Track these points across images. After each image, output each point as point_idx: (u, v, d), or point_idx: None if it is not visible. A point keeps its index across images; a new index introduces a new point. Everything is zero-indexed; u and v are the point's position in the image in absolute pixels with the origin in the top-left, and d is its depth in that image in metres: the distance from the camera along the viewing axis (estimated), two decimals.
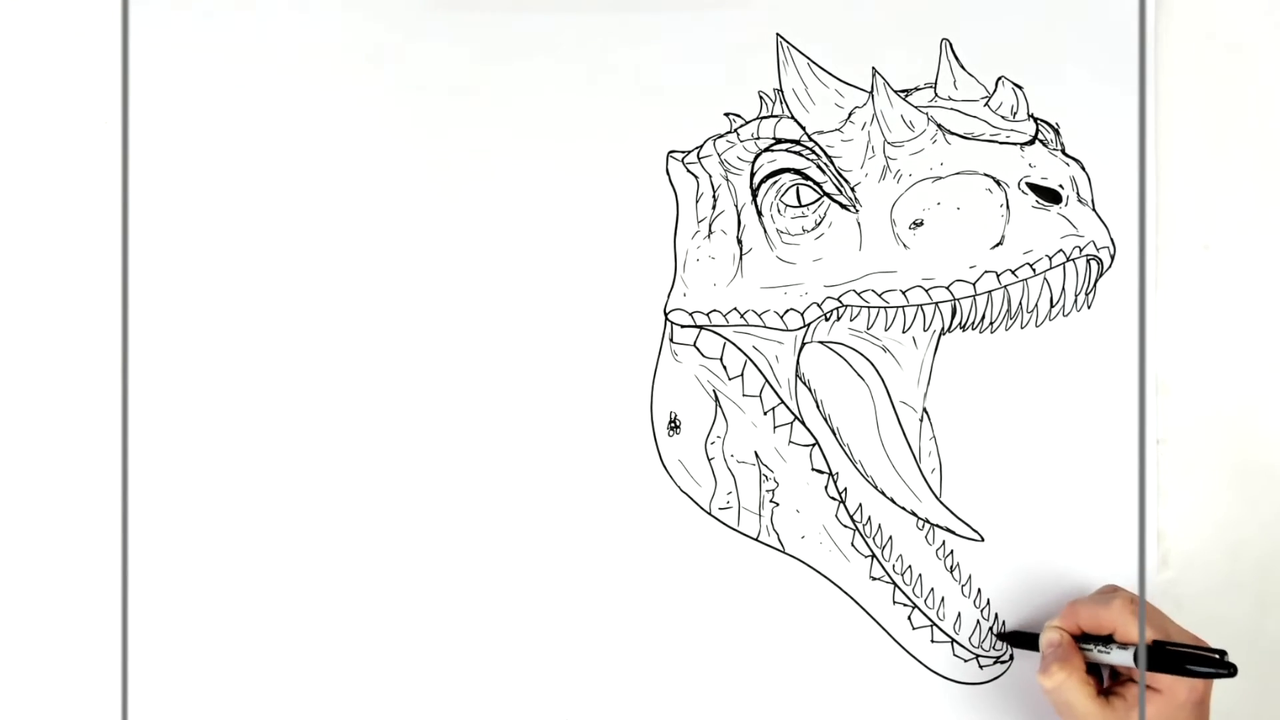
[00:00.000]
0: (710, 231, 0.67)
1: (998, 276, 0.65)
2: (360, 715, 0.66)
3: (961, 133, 0.67)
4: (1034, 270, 0.64)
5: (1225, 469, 0.70)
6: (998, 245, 0.65)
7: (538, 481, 0.67)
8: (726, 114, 0.68)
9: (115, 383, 0.66)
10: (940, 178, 0.66)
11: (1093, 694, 0.60)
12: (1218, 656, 0.58)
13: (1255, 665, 0.69)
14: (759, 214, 0.67)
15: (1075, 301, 0.66)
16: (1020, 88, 0.68)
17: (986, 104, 0.68)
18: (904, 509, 0.67)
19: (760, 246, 0.67)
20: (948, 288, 0.65)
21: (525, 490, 0.67)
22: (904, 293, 0.66)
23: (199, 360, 0.67)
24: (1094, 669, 0.62)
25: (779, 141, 0.68)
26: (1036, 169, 0.66)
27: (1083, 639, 0.62)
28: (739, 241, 0.67)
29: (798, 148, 0.67)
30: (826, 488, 0.67)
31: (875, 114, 0.67)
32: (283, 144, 0.67)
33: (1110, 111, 0.69)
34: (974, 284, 0.65)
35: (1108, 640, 0.61)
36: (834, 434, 0.68)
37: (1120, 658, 0.60)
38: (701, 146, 0.68)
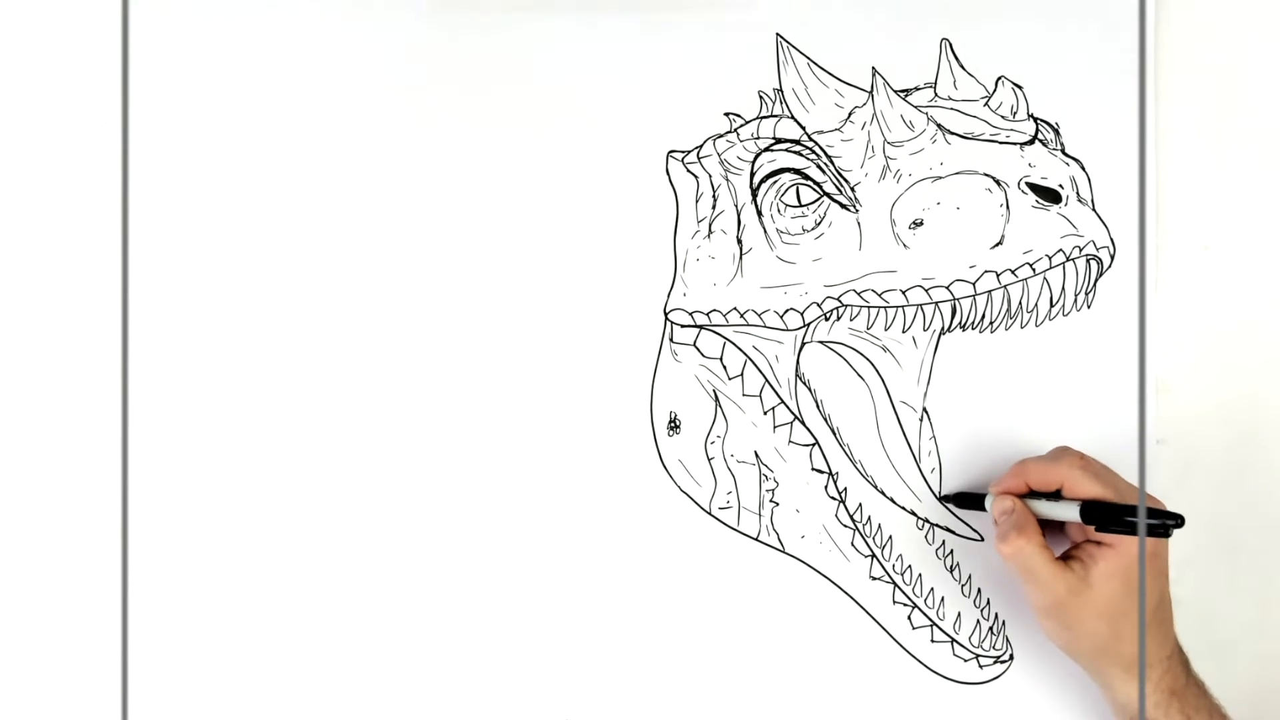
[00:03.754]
0: (710, 231, 0.67)
1: (998, 276, 0.65)
2: (360, 715, 0.66)
3: (961, 133, 0.67)
4: (1034, 270, 0.64)
5: (1225, 469, 0.70)
6: (998, 245, 0.65)
7: (538, 481, 0.67)
8: (726, 114, 0.68)
9: (115, 383, 0.66)
10: (940, 177, 0.66)
11: (1051, 558, 0.60)
12: (1172, 521, 0.58)
13: (1256, 665, 0.69)
14: (759, 214, 0.67)
15: (1075, 301, 0.66)
16: (1020, 88, 0.68)
17: (986, 104, 0.68)
18: (904, 509, 0.67)
19: (760, 246, 0.67)
20: (948, 287, 0.65)
21: (525, 490, 0.67)
22: (904, 292, 0.66)
23: (199, 360, 0.67)
24: (1048, 529, 0.62)
25: (779, 141, 0.68)
26: (1036, 169, 0.66)
27: (1030, 495, 0.62)
28: (739, 241, 0.67)
29: (798, 147, 0.67)
30: (826, 488, 0.67)
31: (875, 114, 0.67)
32: (281, 143, 0.67)
33: (1110, 111, 0.69)
34: (974, 284, 0.65)
35: (1055, 495, 0.61)
36: (834, 434, 0.68)
37: (1066, 511, 0.60)
38: (701, 146, 0.68)
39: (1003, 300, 0.65)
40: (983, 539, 0.67)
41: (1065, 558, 0.61)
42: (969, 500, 0.66)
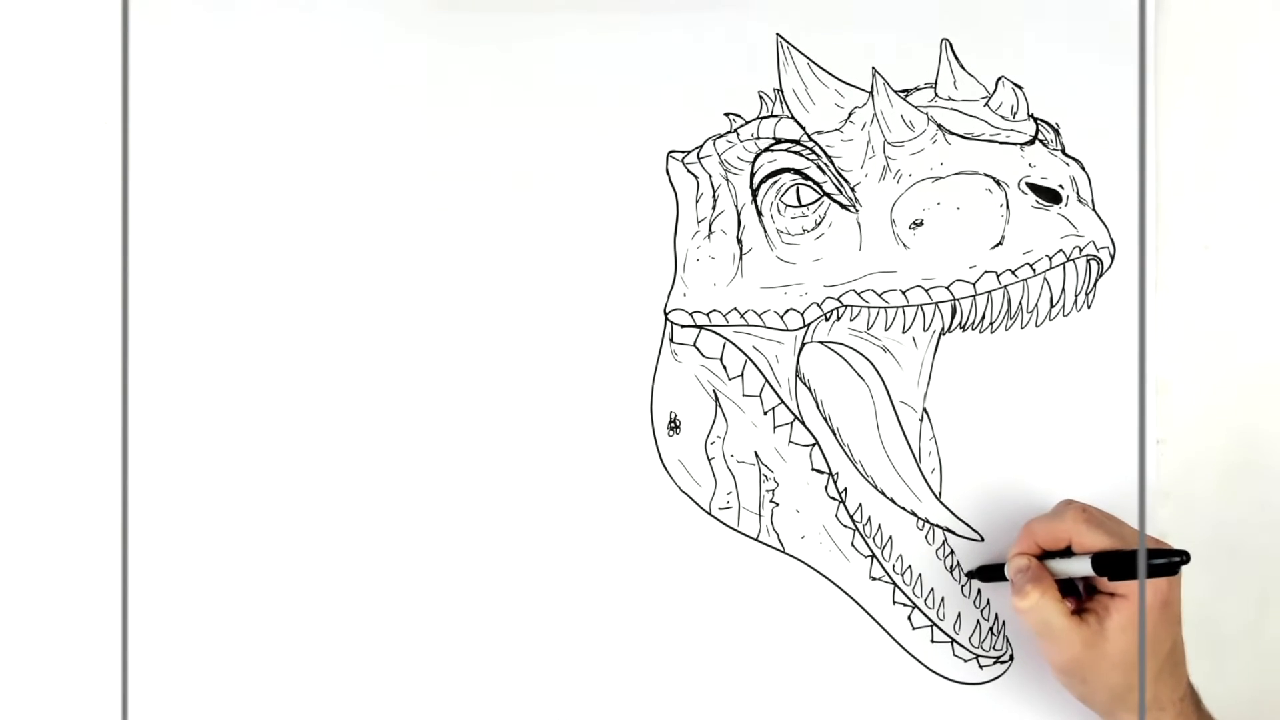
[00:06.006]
0: (710, 231, 0.67)
1: (998, 276, 0.65)
2: (360, 715, 0.66)
3: (961, 133, 0.67)
4: (1034, 270, 0.64)
5: (1225, 469, 0.70)
6: (998, 245, 0.65)
7: (538, 482, 0.67)
8: (726, 114, 0.68)
9: (115, 383, 0.66)
10: (940, 178, 0.66)
11: (1067, 612, 0.60)
12: (1177, 558, 0.58)
13: (1255, 665, 0.69)
14: (759, 214, 0.67)
15: (1075, 301, 0.66)
16: (1020, 88, 0.68)
17: (986, 104, 0.68)
18: (904, 509, 0.67)
19: (760, 246, 0.67)
20: (948, 288, 0.65)
21: (525, 490, 0.67)
22: (904, 293, 0.66)
23: (199, 360, 0.67)
24: (1068, 590, 0.61)
25: (779, 141, 0.68)
26: (1036, 169, 0.66)
27: (1043, 556, 0.62)
28: (739, 241, 0.67)
29: (798, 148, 0.67)
30: (826, 488, 0.67)
31: (875, 114, 0.67)
32: (281, 144, 0.67)
33: (1110, 111, 0.69)
34: (974, 284, 0.65)
35: (1066, 552, 0.61)
36: (834, 434, 0.68)
37: (1078, 566, 0.60)
38: (701, 146, 0.68)
39: (1003, 300, 0.65)
40: (983, 539, 0.67)
41: (1079, 612, 0.60)
42: (991, 573, 0.66)
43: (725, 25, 0.68)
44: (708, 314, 0.67)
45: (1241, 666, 0.68)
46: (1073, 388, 0.68)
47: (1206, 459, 0.69)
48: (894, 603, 0.67)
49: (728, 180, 0.68)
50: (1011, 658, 0.67)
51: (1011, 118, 0.67)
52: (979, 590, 0.67)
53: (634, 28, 0.68)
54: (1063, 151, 0.68)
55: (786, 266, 0.67)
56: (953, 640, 0.67)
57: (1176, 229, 0.69)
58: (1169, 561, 0.58)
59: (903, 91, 0.68)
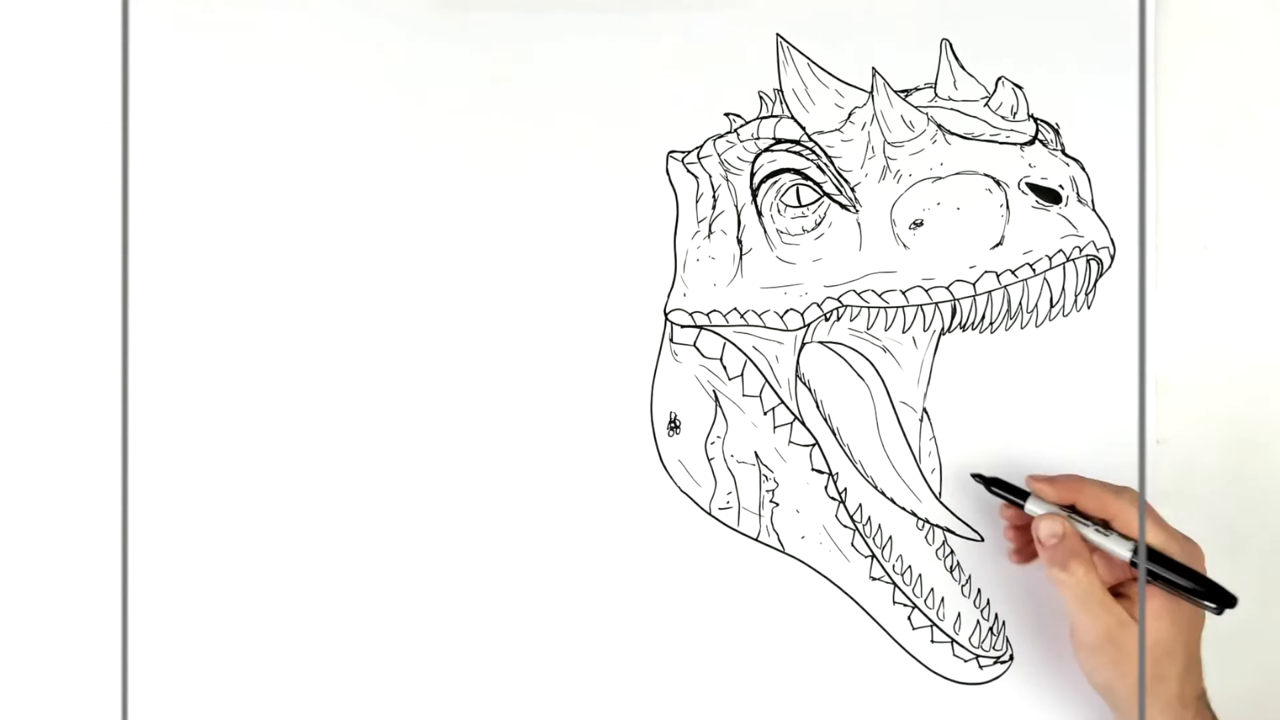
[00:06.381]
0: (710, 231, 0.67)
1: (998, 276, 0.65)
2: (360, 715, 0.66)
3: (961, 133, 0.67)
4: (1034, 270, 0.64)
5: (1225, 469, 0.70)
6: (998, 245, 0.65)
7: (538, 482, 0.67)
8: (726, 114, 0.68)
9: (115, 383, 0.66)
10: (940, 178, 0.66)
11: (1105, 589, 0.59)
12: (1229, 603, 0.58)
13: (1255, 665, 0.69)
14: (759, 214, 0.67)
15: (1075, 301, 0.66)
16: (1020, 88, 0.68)
17: (986, 104, 0.68)
18: (904, 509, 0.67)
19: (760, 246, 0.67)
20: (948, 288, 0.65)
21: (525, 490, 0.67)
22: (904, 293, 0.66)
23: (199, 360, 0.67)
24: None
25: (779, 141, 0.68)
26: (1036, 169, 0.66)
27: (1077, 516, 0.61)
28: (739, 241, 0.67)
29: (798, 148, 0.67)
30: (826, 488, 0.67)
31: (875, 114, 0.67)
32: (281, 144, 0.67)
33: (1110, 111, 0.69)
34: (974, 284, 0.65)
35: (1105, 525, 0.60)
36: (834, 434, 0.68)
37: (1116, 547, 0.59)
38: (701, 146, 0.68)
39: (1003, 300, 0.65)
40: (982, 539, 0.67)
41: (1112, 592, 0.60)
42: (1005, 487, 0.64)
43: (725, 25, 0.68)
44: (708, 314, 0.67)
45: (1241, 666, 0.68)
46: (1073, 388, 0.68)
47: (1206, 459, 0.69)
48: (894, 603, 0.67)
49: (728, 180, 0.68)
50: (1011, 658, 0.67)
51: (1011, 118, 0.67)
52: (979, 590, 0.67)
53: (634, 28, 0.68)
54: (1063, 151, 0.68)
55: (786, 266, 0.67)
56: (953, 640, 0.67)
57: (1176, 229, 0.69)
58: (1216, 606, 0.58)
59: (903, 91, 0.68)
